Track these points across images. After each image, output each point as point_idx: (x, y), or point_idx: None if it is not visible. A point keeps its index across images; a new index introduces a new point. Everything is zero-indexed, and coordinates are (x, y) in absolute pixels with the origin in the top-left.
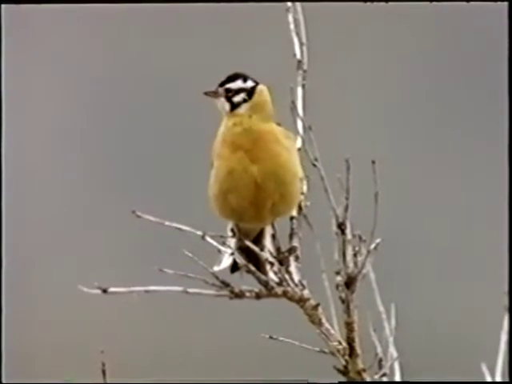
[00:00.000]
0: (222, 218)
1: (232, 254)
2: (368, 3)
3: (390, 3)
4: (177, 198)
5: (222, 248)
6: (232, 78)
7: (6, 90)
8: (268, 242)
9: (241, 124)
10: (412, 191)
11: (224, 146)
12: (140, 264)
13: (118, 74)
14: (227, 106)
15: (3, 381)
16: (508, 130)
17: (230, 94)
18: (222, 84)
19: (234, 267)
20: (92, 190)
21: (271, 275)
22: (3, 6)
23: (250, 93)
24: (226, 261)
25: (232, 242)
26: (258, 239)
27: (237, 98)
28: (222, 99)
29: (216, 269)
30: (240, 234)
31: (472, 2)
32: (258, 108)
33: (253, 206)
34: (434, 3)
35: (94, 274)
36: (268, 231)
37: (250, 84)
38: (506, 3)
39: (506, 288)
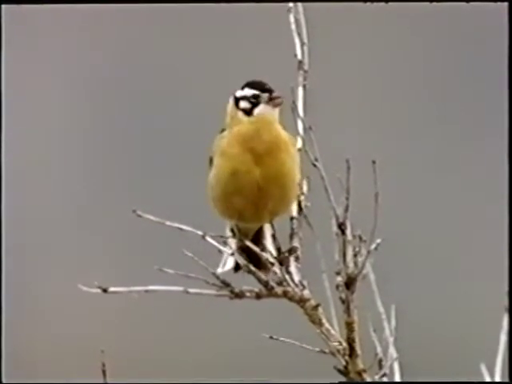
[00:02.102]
0: (223, 218)
1: (232, 254)
2: (368, 3)
3: (390, 3)
4: (177, 197)
5: (223, 248)
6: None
7: (6, 90)
8: (268, 241)
9: (273, 131)
10: (412, 191)
11: (235, 145)
12: (140, 264)
13: (117, 75)
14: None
15: (3, 381)
16: (508, 129)
17: None
18: (271, 90)
19: (237, 267)
20: (92, 190)
21: (273, 274)
22: (3, 6)
23: None
24: (230, 262)
25: (232, 242)
26: (258, 238)
27: None
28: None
29: (220, 271)
30: (240, 234)
31: (472, 2)
32: None
33: (254, 206)
34: (434, 3)
35: (93, 274)
36: (267, 230)
37: None
38: (506, 3)
39: (506, 288)
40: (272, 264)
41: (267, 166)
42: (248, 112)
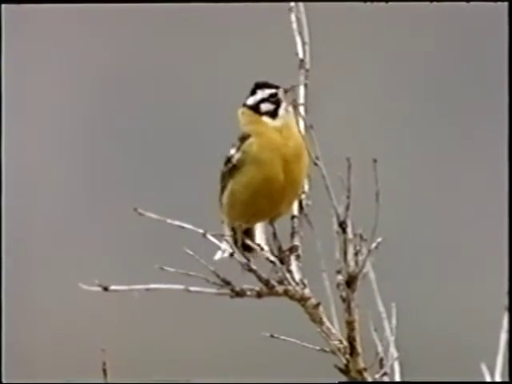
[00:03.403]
0: (232, 220)
1: (233, 252)
2: (368, 3)
3: (391, 3)
4: (178, 195)
5: (224, 246)
6: None
7: (6, 89)
8: (259, 231)
9: (294, 137)
10: (413, 190)
11: (265, 152)
12: (141, 262)
13: (117, 74)
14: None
15: (3, 381)
16: (508, 130)
17: None
18: (277, 86)
19: (232, 254)
20: (93, 188)
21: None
22: (3, 5)
23: None
24: (226, 252)
25: (232, 240)
26: (249, 230)
27: None
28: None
29: (216, 258)
30: (241, 233)
31: (472, 2)
32: None
33: (271, 209)
34: (434, 3)
35: (94, 273)
36: (258, 225)
37: None
38: (506, 3)
39: (506, 287)
40: (272, 262)
41: (291, 173)
42: (273, 114)
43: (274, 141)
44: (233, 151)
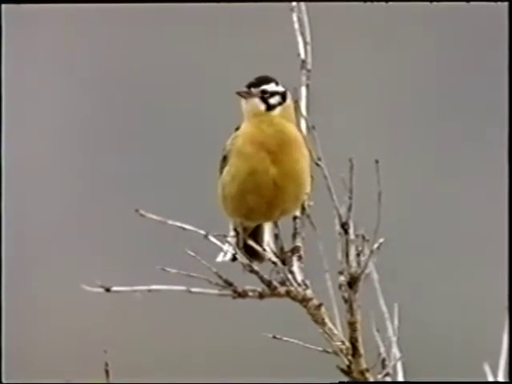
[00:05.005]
0: (231, 217)
1: (235, 253)
2: (368, 3)
3: (392, 3)
4: (180, 196)
5: (225, 247)
6: (266, 80)
7: (6, 89)
8: (267, 235)
9: (273, 125)
10: (414, 190)
11: (248, 144)
12: (142, 263)
13: (117, 74)
14: (262, 107)
15: (3, 381)
16: (508, 130)
17: (266, 96)
18: (253, 85)
19: (235, 257)
20: (94, 189)
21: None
22: (3, 5)
23: (283, 96)
24: (228, 254)
25: (235, 240)
26: (257, 233)
27: (273, 100)
28: (257, 100)
29: (219, 259)
30: (244, 233)
31: (472, 2)
32: (288, 112)
33: (267, 204)
34: (434, 3)
35: (95, 273)
36: (267, 226)
37: (281, 88)
38: (506, 3)
39: (506, 288)
40: (274, 263)
41: (283, 164)
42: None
43: (249, 132)
44: (228, 141)
